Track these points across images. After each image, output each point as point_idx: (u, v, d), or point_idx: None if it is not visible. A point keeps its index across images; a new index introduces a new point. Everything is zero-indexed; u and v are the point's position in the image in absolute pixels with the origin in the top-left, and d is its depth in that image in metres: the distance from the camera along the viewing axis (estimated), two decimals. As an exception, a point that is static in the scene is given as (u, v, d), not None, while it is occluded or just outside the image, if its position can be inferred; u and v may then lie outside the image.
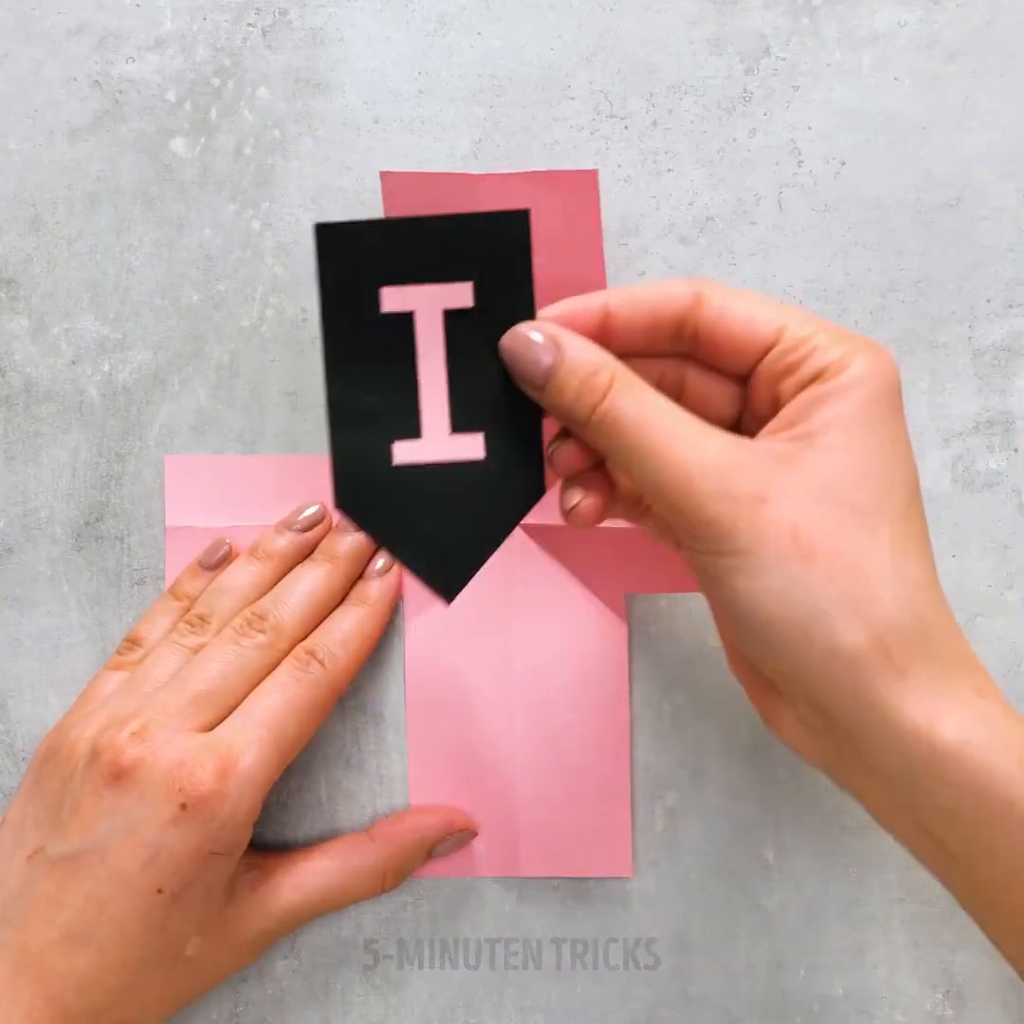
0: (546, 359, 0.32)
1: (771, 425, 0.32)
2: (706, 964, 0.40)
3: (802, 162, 0.40)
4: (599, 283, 0.38)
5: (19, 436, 0.40)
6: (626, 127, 0.40)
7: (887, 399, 0.32)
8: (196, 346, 0.40)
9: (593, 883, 0.41)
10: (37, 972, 0.34)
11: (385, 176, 0.37)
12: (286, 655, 0.37)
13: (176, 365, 0.40)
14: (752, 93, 0.40)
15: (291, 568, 0.39)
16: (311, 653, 0.37)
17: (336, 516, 0.40)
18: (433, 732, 0.40)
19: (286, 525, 0.39)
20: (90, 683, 0.39)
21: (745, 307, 0.32)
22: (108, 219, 0.40)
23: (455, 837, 0.39)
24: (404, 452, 0.33)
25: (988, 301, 0.40)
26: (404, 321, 0.33)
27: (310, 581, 0.38)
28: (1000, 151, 0.40)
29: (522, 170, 0.39)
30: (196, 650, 0.37)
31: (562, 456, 0.33)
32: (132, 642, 0.39)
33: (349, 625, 0.38)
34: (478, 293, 0.33)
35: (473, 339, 0.33)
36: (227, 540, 0.40)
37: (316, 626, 0.38)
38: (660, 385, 0.33)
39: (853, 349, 0.31)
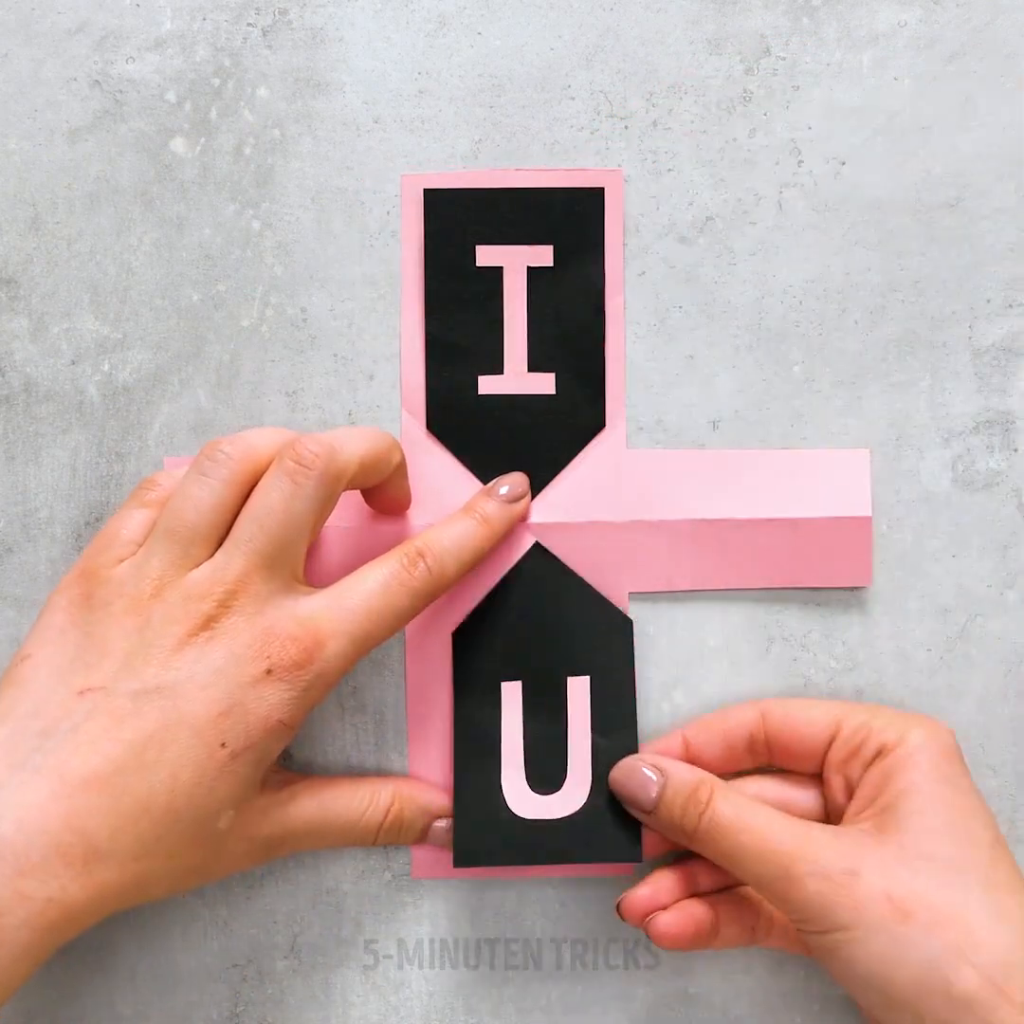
0: (654, 786, 0.37)
1: (852, 809, 0.37)
2: (706, 964, 0.40)
3: (802, 162, 0.40)
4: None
5: (19, 436, 0.40)
6: (626, 127, 0.40)
7: (950, 759, 0.36)
8: (196, 346, 0.40)
9: (593, 883, 0.41)
10: (72, 803, 0.33)
11: (407, 180, 0.39)
12: (324, 473, 0.35)
13: (176, 365, 0.40)
14: (752, 93, 0.40)
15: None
16: (421, 555, 0.37)
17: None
18: (432, 731, 0.40)
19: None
20: (109, 524, 0.37)
21: (803, 710, 0.38)
22: (108, 219, 0.40)
23: (449, 824, 0.40)
24: (488, 384, 0.39)
25: (988, 301, 0.40)
26: (494, 274, 0.39)
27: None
28: (1000, 151, 0.40)
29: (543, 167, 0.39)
30: (225, 482, 0.36)
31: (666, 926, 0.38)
32: (150, 483, 0.38)
33: (463, 535, 0.38)
34: (557, 255, 0.39)
35: (550, 293, 0.39)
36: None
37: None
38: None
39: (907, 724, 0.37)
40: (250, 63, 0.40)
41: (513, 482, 0.39)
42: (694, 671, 0.40)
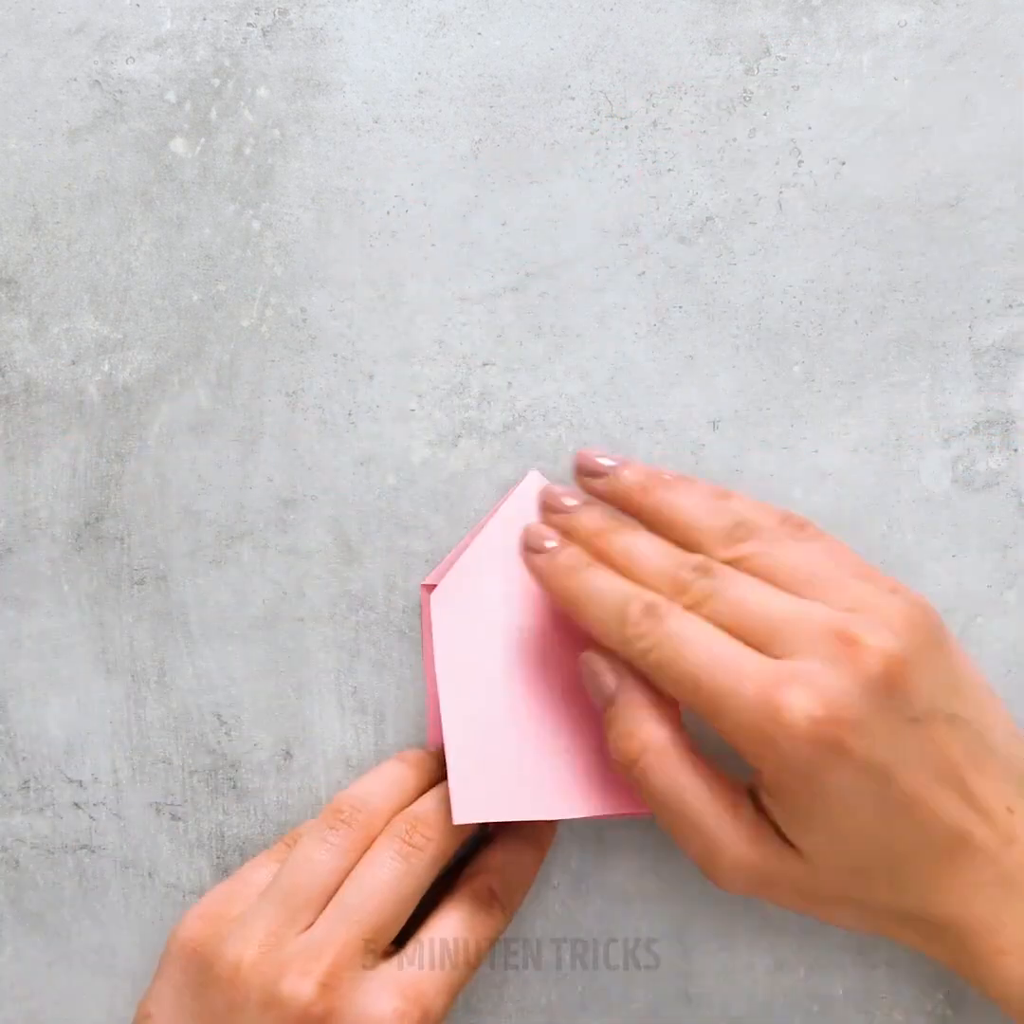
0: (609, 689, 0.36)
1: None
2: (706, 964, 0.40)
3: (802, 162, 0.40)
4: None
5: (19, 436, 0.40)
6: (626, 127, 0.40)
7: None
8: (196, 346, 0.40)
9: (593, 883, 0.41)
10: None
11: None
12: (435, 857, 0.37)
13: (176, 365, 0.40)
14: (752, 93, 0.40)
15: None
16: (494, 895, 0.38)
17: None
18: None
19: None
20: (238, 871, 0.39)
21: None
22: (108, 219, 0.40)
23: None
24: None
25: (988, 301, 0.40)
26: None
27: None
28: (1000, 151, 0.40)
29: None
30: (348, 845, 0.37)
31: None
32: (294, 838, 0.39)
33: (528, 863, 0.39)
34: None
35: None
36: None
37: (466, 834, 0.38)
38: None
39: None
40: (250, 63, 0.40)
41: None
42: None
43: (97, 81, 0.40)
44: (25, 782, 0.41)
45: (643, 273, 0.40)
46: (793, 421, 0.40)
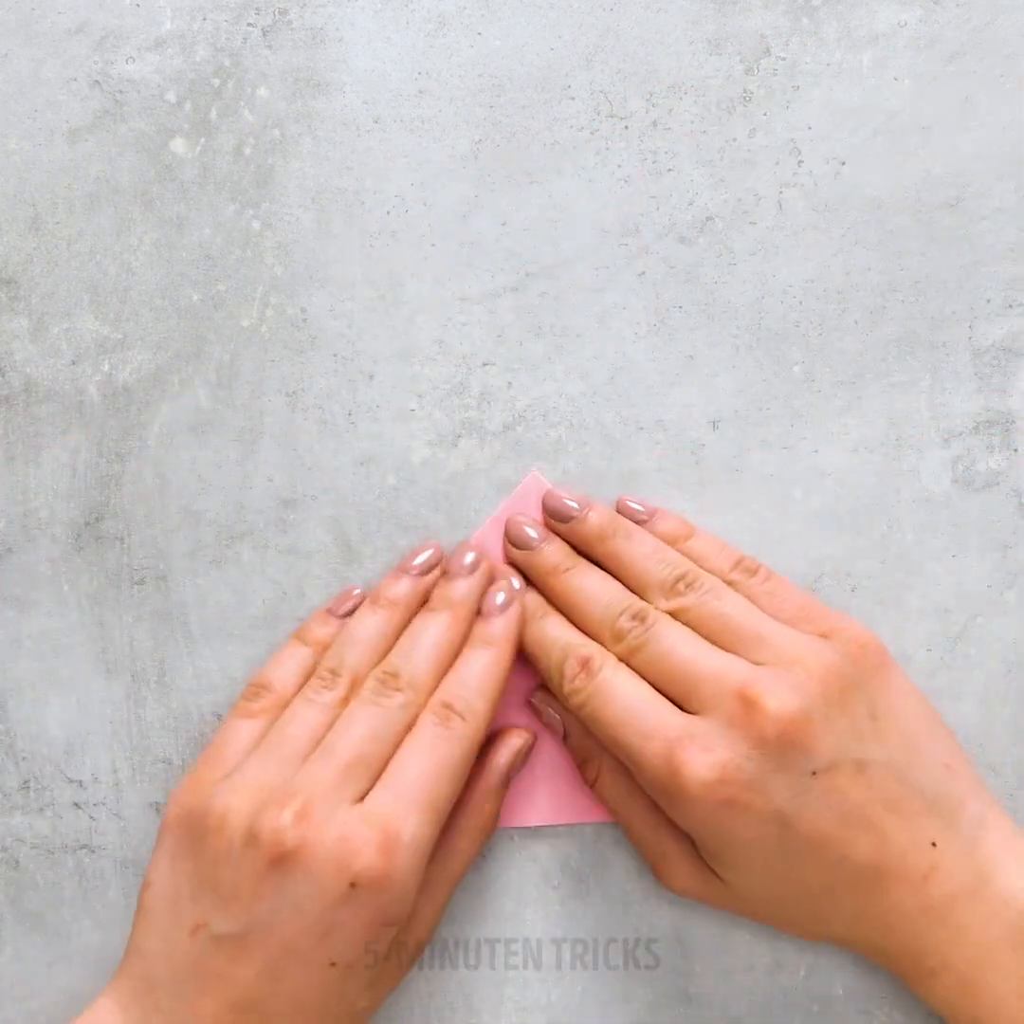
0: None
1: None
2: (706, 964, 0.40)
3: (802, 162, 0.40)
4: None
5: (19, 436, 0.41)
6: (626, 127, 0.40)
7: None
8: (196, 346, 0.40)
9: (593, 883, 0.41)
10: None
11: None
12: (423, 709, 0.37)
13: (176, 365, 0.40)
14: (752, 93, 0.40)
15: (413, 614, 0.39)
16: (449, 706, 0.37)
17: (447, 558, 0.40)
18: None
19: (403, 570, 0.40)
20: (219, 732, 0.39)
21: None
22: (108, 219, 0.40)
23: (518, 756, 0.40)
24: None
25: (988, 301, 0.40)
26: None
27: (434, 631, 0.38)
28: (1000, 151, 0.40)
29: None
30: (332, 707, 0.37)
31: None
32: (260, 686, 0.39)
33: (481, 669, 0.38)
34: None
35: None
36: (357, 589, 0.40)
37: (446, 674, 0.38)
38: None
39: None
40: (250, 63, 0.40)
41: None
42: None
43: (97, 81, 0.40)
44: (25, 782, 0.41)
45: (643, 273, 0.40)
46: (793, 421, 0.40)
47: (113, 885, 0.41)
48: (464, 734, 0.37)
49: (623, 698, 0.37)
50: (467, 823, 0.38)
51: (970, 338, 0.40)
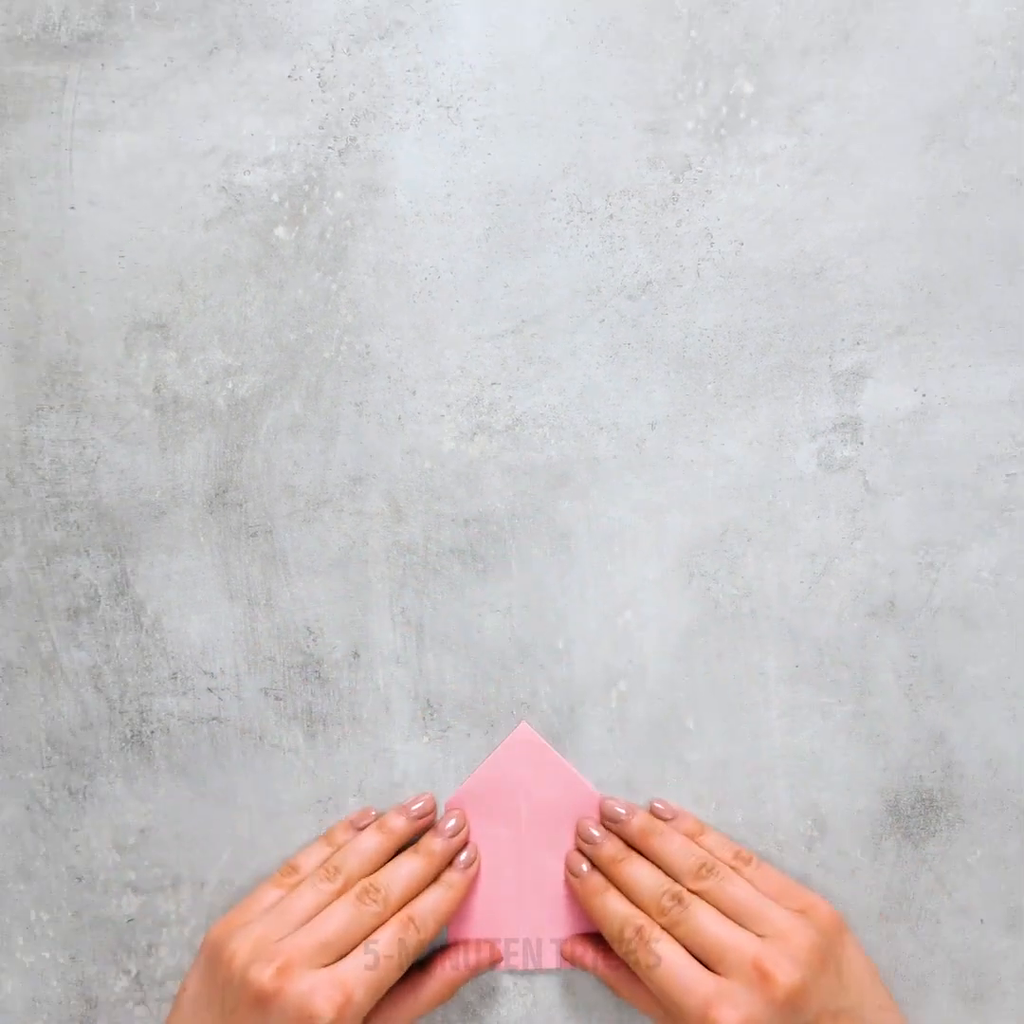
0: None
1: None
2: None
3: (713, 243, 0.53)
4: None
5: (170, 434, 0.54)
6: (591, 219, 0.53)
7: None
8: (292, 371, 0.53)
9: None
10: None
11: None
12: (388, 918, 0.47)
13: (278, 384, 0.53)
14: (678, 195, 0.53)
15: (403, 842, 0.51)
16: (412, 920, 0.47)
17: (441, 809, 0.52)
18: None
19: (404, 810, 0.51)
20: (254, 891, 0.50)
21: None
22: (231, 283, 0.53)
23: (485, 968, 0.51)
24: None
25: (842, 339, 0.53)
26: None
27: (412, 868, 0.49)
28: (851, 236, 0.53)
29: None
30: (328, 895, 0.48)
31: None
32: (291, 868, 0.50)
33: (439, 901, 0.49)
34: None
35: None
36: (373, 810, 0.52)
37: (413, 897, 0.49)
38: None
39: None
40: (330, 174, 0.54)
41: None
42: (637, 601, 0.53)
43: (224, 187, 0.53)
44: (174, 674, 0.53)
45: (603, 320, 0.53)
46: (707, 424, 0.53)
47: (234, 746, 0.53)
48: (416, 941, 0.47)
49: (666, 960, 0.46)
50: (423, 994, 0.50)
51: (830, 365, 0.53)
